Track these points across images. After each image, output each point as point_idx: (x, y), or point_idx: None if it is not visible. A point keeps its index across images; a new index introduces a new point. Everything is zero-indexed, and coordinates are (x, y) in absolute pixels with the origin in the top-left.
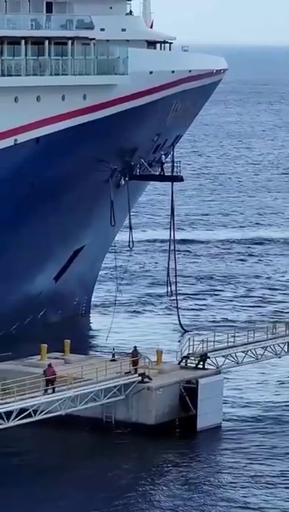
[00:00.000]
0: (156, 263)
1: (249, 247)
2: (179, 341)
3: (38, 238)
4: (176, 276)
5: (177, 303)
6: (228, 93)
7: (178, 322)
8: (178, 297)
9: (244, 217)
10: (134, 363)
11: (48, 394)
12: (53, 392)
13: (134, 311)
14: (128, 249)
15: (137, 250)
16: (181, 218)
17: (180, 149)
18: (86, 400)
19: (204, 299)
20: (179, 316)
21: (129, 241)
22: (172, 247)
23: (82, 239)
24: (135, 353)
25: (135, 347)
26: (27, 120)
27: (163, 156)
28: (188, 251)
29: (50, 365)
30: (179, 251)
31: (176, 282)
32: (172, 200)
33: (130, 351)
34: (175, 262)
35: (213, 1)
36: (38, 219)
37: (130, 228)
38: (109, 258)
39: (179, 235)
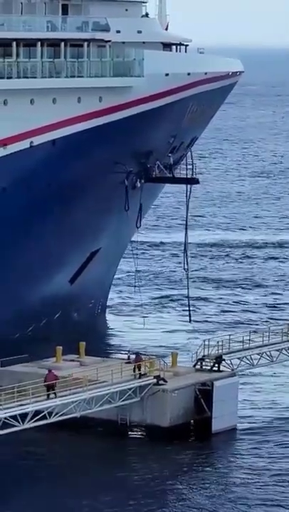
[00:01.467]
0: (172, 265)
1: (268, 250)
2: (194, 343)
3: (54, 240)
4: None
5: (189, 291)
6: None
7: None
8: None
9: (266, 221)
10: (138, 367)
11: (51, 399)
12: (55, 397)
13: (149, 313)
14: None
15: (155, 252)
16: (202, 219)
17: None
18: (101, 402)
19: (220, 301)
20: (189, 304)
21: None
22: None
23: (98, 241)
24: (138, 358)
25: (137, 352)
26: (43, 122)
27: (175, 159)
28: (206, 253)
29: (50, 371)
30: (197, 254)
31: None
32: (188, 203)
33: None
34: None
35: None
36: (54, 221)
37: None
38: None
39: (197, 238)
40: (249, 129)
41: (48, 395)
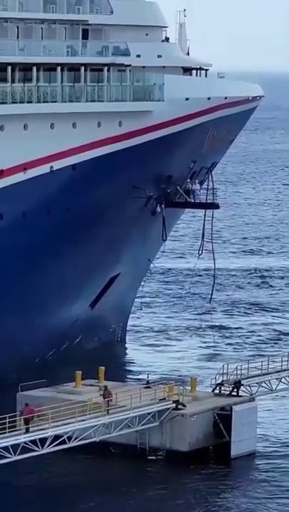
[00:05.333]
0: (189, 288)
1: (284, 275)
2: (213, 369)
3: (74, 265)
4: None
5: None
6: None
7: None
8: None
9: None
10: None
11: (29, 433)
12: (27, 432)
13: (168, 338)
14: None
15: (173, 277)
16: (220, 245)
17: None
18: (120, 427)
19: (238, 326)
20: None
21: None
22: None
23: (117, 266)
24: (106, 392)
25: (106, 386)
26: (63, 147)
27: (195, 183)
28: (224, 277)
29: (27, 405)
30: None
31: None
32: (204, 227)
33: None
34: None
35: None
36: (73, 246)
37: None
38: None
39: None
40: None
41: (27, 429)
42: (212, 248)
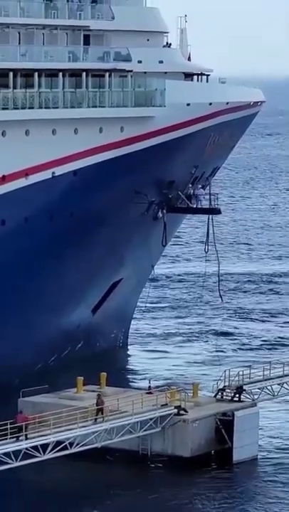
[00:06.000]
0: (192, 294)
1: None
2: (215, 374)
3: (76, 270)
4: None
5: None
6: None
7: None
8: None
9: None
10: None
11: (21, 441)
12: (17, 440)
13: (170, 344)
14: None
15: (174, 282)
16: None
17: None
18: (122, 433)
19: (241, 332)
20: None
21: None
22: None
23: (120, 271)
24: (100, 400)
25: (99, 394)
26: (65, 153)
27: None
28: (226, 282)
29: (20, 412)
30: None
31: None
32: (208, 232)
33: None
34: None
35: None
36: (75, 251)
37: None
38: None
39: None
40: None
41: (18, 437)
42: (216, 252)
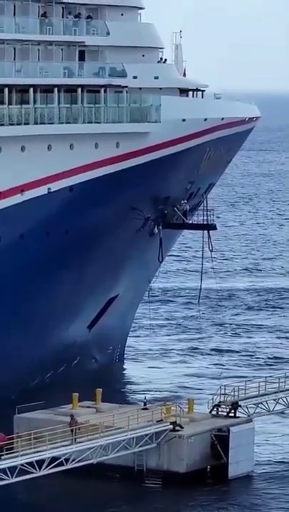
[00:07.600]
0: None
1: (282, 297)
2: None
3: (72, 286)
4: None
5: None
6: None
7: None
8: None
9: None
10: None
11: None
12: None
13: (166, 359)
14: None
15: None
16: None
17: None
18: (118, 449)
19: (236, 347)
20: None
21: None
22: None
23: (116, 287)
24: (73, 421)
25: (72, 415)
26: (60, 168)
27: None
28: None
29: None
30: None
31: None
32: (203, 248)
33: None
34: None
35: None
36: (71, 267)
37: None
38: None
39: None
40: None
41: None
42: (212, 267)
